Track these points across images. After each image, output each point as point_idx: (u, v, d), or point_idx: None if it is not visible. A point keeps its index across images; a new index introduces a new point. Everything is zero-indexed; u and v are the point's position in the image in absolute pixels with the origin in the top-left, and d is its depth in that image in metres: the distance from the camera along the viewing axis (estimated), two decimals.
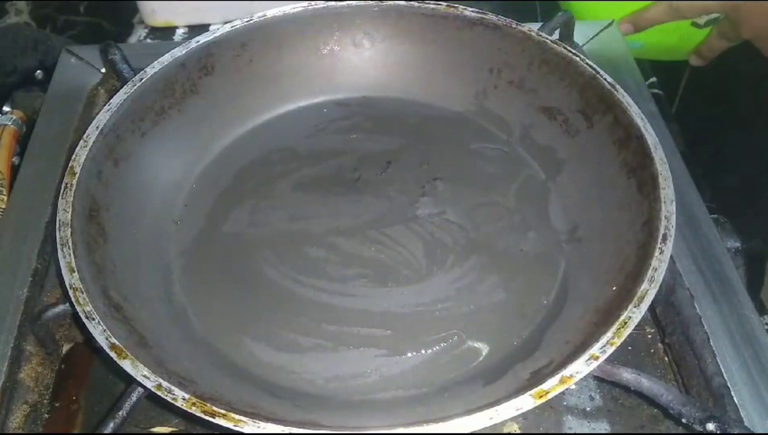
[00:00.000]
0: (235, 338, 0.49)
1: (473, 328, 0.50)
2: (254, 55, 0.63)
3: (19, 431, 0.47)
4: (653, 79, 0.73)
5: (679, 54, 0.73)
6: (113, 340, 0.41)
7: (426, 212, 0.57)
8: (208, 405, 0.38)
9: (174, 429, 0.46)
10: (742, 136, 0.78)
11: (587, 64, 0.57)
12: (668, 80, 0.77)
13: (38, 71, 0.75)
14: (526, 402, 0.38)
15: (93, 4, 0.86)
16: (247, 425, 0.38)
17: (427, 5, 0.63)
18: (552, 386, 0.39)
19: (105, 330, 0.41)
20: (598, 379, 0.45)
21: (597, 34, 0.72)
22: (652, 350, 0.51)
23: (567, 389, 0.40)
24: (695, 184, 0.58)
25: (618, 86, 0.55)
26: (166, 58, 0.59)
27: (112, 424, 0.42)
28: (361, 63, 0.65)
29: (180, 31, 0.81)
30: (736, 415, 0.44)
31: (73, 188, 0.49)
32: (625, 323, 0.42)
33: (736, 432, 0.40)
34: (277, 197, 0.59)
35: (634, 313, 0.42)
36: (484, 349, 0.48)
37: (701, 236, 0.55)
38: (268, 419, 0.38)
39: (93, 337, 0.41)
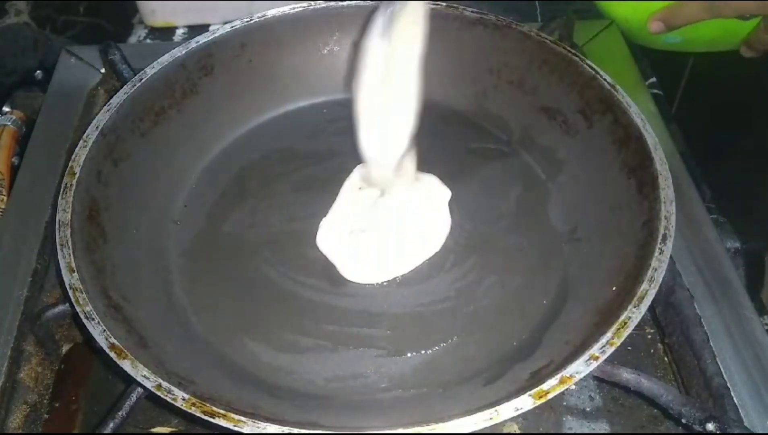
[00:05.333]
0: (235, 338, 0.49)
1: (473, 328, 0.50)
2: (254, 55, 0.63)
3: (19, 431, 0.47)
4: (653, 79, 0.73)
5: (724, 45, 0.68)
6: (113, 340, 0.41)
7: None
8: (208, 405, 0.38)
9: (174, 429, 0.46)
10: (742, 136, 0.78)
11: (587, 64, 0.57)
12: (668, 80, 0.77)
13: (38, 71, 0.75)
14: (525, 402, 0.38)
15: (93, 4, 0.86)
16: (247, 425, 0.38)
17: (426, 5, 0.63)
18: (552, 386, 0.39)
19: (105, 330, 0.41)
20: (598, 379, 0.45)
21: (597, 34, 0.72)
22: (652, 350, 0.51)
23: (567, 389, 0.39)
24: (695, 184, 0.58)
25: (618, 86, 0.55)
26: (166, 59, 0.59)
27: (112, 424, 0.42)
28: None
29: (180, 32, 0.81)
30: (735, 415, 0.44)
31: (73, 188, 0.49)
32: (625, 323, 0.42)
33: (735, 432, 0.40)
34: (277, 197, 0.59)
35: (634, 314, 0.42)
36: (483, 349, 0.48)
37: (701, 236, 0.55)
38: (268, 419, 0.38)
39: (93, 337, 0.41)
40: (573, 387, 0.47)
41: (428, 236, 0.55)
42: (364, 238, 0.54)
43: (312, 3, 0.63)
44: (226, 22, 0.63)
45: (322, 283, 0.53)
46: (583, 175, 0.56)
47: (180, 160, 0.59)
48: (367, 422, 0.43)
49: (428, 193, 0.57)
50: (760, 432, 0.44)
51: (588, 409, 0.48)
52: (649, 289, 0.43)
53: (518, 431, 0.46)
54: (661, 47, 0.69)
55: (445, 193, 0.57)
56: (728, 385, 0.46)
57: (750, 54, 0.63)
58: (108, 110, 0.54)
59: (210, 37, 0.61)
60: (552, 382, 0.39)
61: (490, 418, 0.38)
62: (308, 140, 0.63)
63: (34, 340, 0.50)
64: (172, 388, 0.39)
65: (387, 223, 0.55)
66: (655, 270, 0.44)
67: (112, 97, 0.56)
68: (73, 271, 0.44)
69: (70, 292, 0.43)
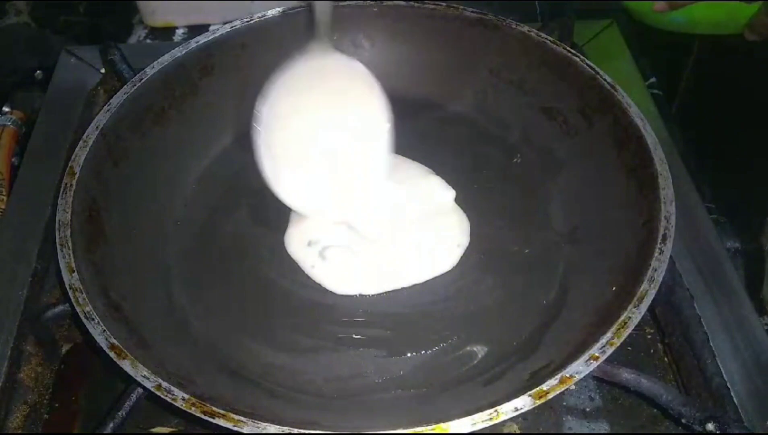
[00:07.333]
0: (235, 338, 0.49)
1: (473, 328, 0.50)
2: (254, 56, 0.63)
3: (19, 431, 0.47)
4: (653, 80, 0.73)
5: (727, 28, 0.69)
6: (113, 340, 0.41)
7: None
8: (208, 405, 0.38)
9: (174, 429, 0.46)
10: (742, 136, 0.78)
11: (587, 64, 0.57)
12: (668, 80, 0.77)
13: (38, 71, 0.75)
14: (525, 402, 0.38)
15: (93, 4, 0.86)
16: (247, 425, 0.38)
17: (426, 5, 0.63)
18: (551, 386, 0.39)
19: (104, 330, 0.41)
20: (598, 379, 0.45)
21: (597, 34, 0.72)
22: (652, 350, 0.51)
23: (567, 389, 0.40)
24: (695, 184, 0.58)
25: (618, 86, 0.55)
26: (166, 59, 0.59)
27: (111, 424, 0.42)
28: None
29: (180, 32, 0.81)
30: (735, 415, 0.44)
31: (73, 188, 0.49)
32: (625, 323, 0.42)
33: (735, 432, 0.40)
34: (277, 197, 0.59)
35: (634, 314, 0.42)
36: (483, 349, 0.48)
37: (701, 236, 0.55)
38: (267, 419, 0.38)
39: (93, 337, 0.41)
40: (573, 387, 0.47)
41: (435, 252, 0.54)
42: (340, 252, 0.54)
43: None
44: (226, 22, 0.63)
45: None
46: (583, 175, 0.56)
47: (180, 160, 0.59)
48: (367, 422, 0.43)
49: (431, 198, 0.56)
50: (760, 432, 0.44)
51: (588, 409, 0.48)
52: (649, 289, 0.43)
53: (518, 431, 0.46)
54: (669, 28, 0.69)
55: (448, 195, 0.56)
56: (728, 385, 0.46)
57: (753, 37, 0.63)
58: (108, 110, 0.54)
59: (210, 37, 0.61)
60: (552, 382, 0.39)
61: (490, 418, 0.38)
62: None
63: (34, 340, 0.50)
64: (172, 388, 0.39)
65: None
66: (655, 270, 0.44)
67: (112, 97, 0.56)
68: (73, 271, 0.44)
69: (70, 292, 0.43)
